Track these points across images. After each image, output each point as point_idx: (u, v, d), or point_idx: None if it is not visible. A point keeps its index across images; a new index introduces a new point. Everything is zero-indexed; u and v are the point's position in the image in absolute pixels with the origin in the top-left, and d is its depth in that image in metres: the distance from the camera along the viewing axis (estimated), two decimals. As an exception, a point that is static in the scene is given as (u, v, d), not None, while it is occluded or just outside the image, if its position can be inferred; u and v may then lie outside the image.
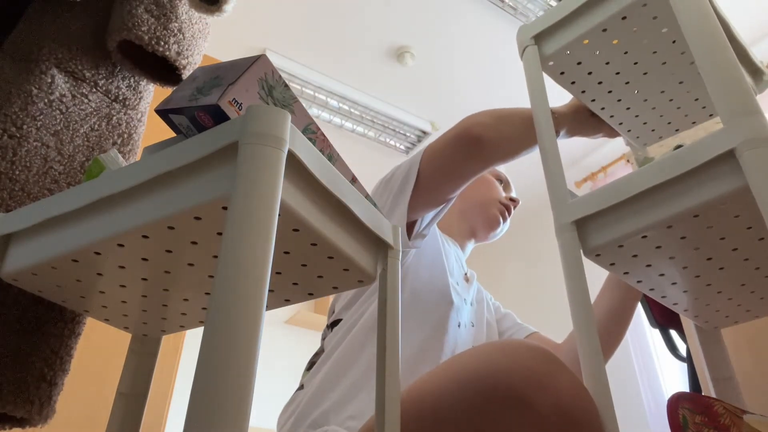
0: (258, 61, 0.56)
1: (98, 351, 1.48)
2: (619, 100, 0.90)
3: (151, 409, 0.75)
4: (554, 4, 2.55)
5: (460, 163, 0.94)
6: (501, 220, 1.24)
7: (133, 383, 0.71)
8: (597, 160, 3.46)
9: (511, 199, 1.25)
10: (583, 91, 0.88)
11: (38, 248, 0.57)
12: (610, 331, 1.02)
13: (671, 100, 0.89)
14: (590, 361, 0.60)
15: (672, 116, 0.93)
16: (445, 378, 0.63)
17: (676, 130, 0.95)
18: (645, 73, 0.85)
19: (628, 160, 3.25)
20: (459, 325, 1.04)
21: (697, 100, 0.89)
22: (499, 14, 2.61)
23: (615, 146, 3.37)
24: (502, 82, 2.97)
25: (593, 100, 0.90)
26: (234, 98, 0.52)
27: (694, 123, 0.93)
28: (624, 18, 0.75)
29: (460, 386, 0.60)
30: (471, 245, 1.27)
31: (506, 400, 0.56)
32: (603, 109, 0.91)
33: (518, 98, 3.05)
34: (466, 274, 1.18)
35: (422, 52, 2.80)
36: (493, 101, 3.09)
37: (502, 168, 1.30)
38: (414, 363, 0.93)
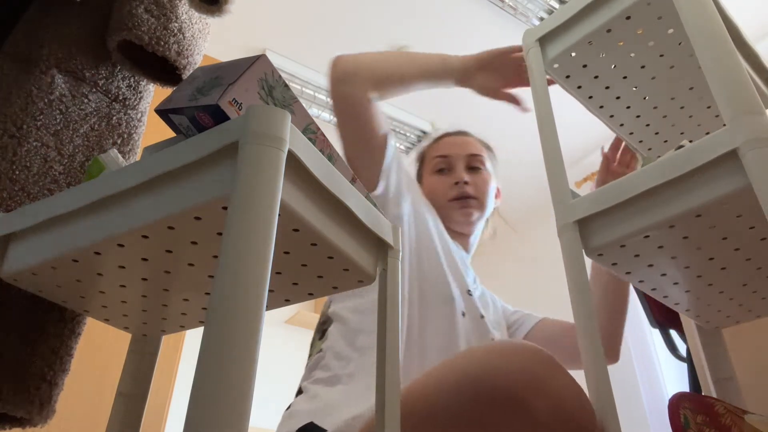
0: (258, 61, 0.55)
1: (98, 351, 1.48)
2: (629, 107, 0.87)
3: (151, 409, 0.74)
4: (555, 4, 2.55)
5: (344, 99, 1.04)
6: (465, 213, 1.16)
7: (133, 383, 0.71)
8: (597, 160, 3.45)
9: (456, 183, 1.17)
10: (591, 97, 0.86)
11: (38, 248, 0.57)
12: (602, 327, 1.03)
13: (682, 107, 0.87)
14: (592, 360, 0.60)
15: (684, 125, 0.90)
16: (443, 378, 0.63)
17: (690, 141, 0.92)
18: (653, 78, 0.83)
19: (628, 160, 3.25)
20: (464, 315, 1.03)
21: (709, 107, 0.87)
22: (499, 14, 2.60)
23: (615, 146, 3.36)
24: (502, 82, 2.97)
25: (601, 107, 0.87)
26: (234, 98, 0.52)
27: (707, 134, 0.90)
28: (628, 18, 0.74)
29: (459, 387, 0.60)
30: (470, 241, 1.23)
31: (504, 403, 0.56)
32: (612, 116, 0.89)
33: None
34: (472, 277, 1.17)
35: (422, 52, 2.80)
36: (493, 101, 3.08)
37: (444, 147, 1.24)
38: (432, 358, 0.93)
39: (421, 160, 1.31)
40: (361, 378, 0.89)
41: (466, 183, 1.17)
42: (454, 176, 1.19)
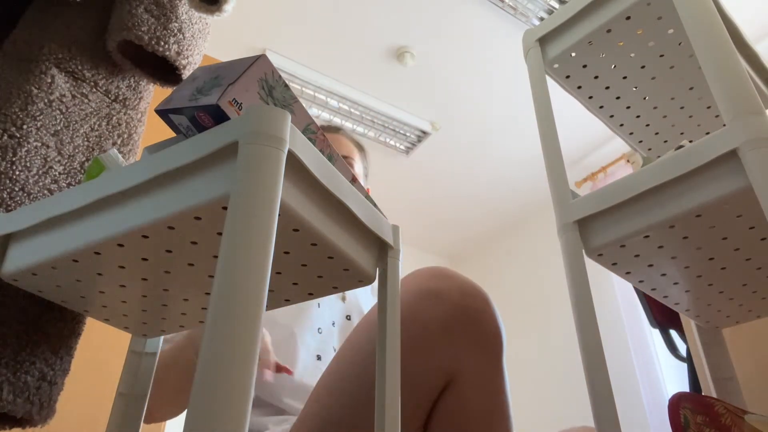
0: (258, 61, 0.55)
1: (98, 351, 1.48)
2: (629, 107, 0.88)
3: (151, 410, 0.75)
4: (555, 4, 2.55)
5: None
6: None
7: (133, 383, 0.71)
8: (597, 160, 3.46)
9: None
10: (591, 97, 0.86)
11: (38, 248, 0.57)
12: None
13: (682, 107, 0.87)
14: (592, 360, 0.60)
15: (684, 126, 0.90)
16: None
17: (690, 141, 0.92)
18: (653, 78, 0.83)
19: (628, 160, 3.25)
20: (320, 331, 1.09)
21: (709, 108, 0.87)
22: (499, 14, 2.61)
23: (615, 146, 3.37)
24: (502, 82, 2.97)
25: (601, 107, 0.88)
26: (234, 98, 0.52)
27: (707, 134, 0.90)
28: (628, 18, 0.74)
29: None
30: None
31: (425, 294, 0.78)
32: (612, 116, 0.89)
33: (519, 98, 3.05)
34: None
35: (422, 52, 2.80)
36: (493, 101, 3.08)
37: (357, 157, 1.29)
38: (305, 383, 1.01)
39: None
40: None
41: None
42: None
